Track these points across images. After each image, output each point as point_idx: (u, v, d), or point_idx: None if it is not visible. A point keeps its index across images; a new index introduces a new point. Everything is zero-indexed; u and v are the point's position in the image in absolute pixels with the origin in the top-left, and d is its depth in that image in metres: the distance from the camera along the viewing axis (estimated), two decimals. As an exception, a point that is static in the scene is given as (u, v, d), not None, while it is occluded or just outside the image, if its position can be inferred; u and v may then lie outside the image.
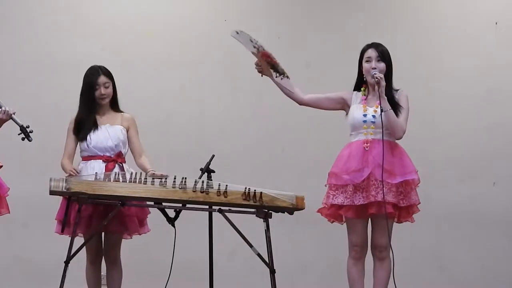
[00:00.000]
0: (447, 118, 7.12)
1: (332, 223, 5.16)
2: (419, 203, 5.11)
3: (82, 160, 5.33)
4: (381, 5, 7.18)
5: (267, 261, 5.18)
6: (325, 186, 5.11)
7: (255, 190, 5.17)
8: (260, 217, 5.18)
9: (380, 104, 4.92)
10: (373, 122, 5.00)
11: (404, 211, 5.06)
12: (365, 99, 5.10)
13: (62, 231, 5.21)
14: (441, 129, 7.11)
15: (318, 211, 5.15)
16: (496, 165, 7.08)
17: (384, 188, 4.90)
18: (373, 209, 4.94)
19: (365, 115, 5.03)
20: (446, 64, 7.14)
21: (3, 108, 5.01)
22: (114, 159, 5.29)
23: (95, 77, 5.33)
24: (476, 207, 7.06)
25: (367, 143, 5.00)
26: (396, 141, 5.09)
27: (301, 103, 5.31)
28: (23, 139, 5.06)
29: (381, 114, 4.92)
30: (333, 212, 5.06)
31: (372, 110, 5.03)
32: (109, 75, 5.37)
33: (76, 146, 5.36)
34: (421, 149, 6.98)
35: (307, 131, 6.92)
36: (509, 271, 7.04)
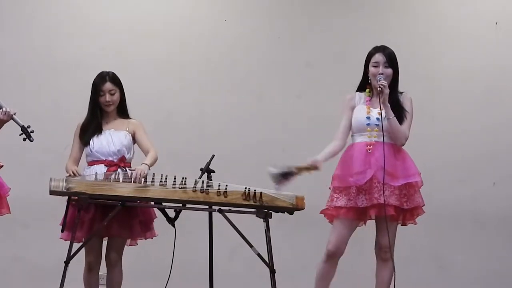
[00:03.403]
0: (447, 118, 7.12)
1: (331, 223, 5.16)
2: (424, 205, 5.11)
3: (87, 165, 5.33)
4: (381, 5, 7.18)
5: (267, 261, 5.18)
6: (329, 189, 5.10)
7: (255, 190, 5.18)
8: (260, 217, 5.19)
9: (381, 112, 4.92)
10: (377, 125, 5.00)
11: (409, 213, 5.05)
12: (369, 100, 5.09)
13: (62, 231, 5.20)
14: (441, 129, 7.11)
15: (321, 212, 5.13)
16: (496, 165, 7.08)
17: (386, 191, 4.90)
18: (374, 211, 4.94)
19: (368, 118, 5.03)
20: (446, 64, 7.14)
21: (3, 109, 5.01)
22: (117, 164, 5.28)
23: (101, 83, 5.33)
24: (476, 207, 7.06)
25: (370, 145, 5.00)
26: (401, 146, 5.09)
27: (344, 146, 5.18)
28: (24, 139, 5.06)
29: (381, 121, 4.92)
30: (335, 213, 5.05)
31: (376, 113, 5.01)
32: (116, 82, 5.35)
33: (81, 151, 5.36)
34: (421, 149, 6.96)
35: (307, 131, 6.92)
36: (509, 271, 7.04)
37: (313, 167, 4.97)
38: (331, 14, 7.13)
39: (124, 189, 5.08)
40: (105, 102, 5.34)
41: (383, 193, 4.91)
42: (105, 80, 5.33)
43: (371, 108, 5.05)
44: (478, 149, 7.07)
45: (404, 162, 5.04)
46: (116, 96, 5.36)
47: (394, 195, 4.93)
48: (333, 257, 5.05)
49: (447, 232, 7.04)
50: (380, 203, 4.91)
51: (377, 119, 5.00)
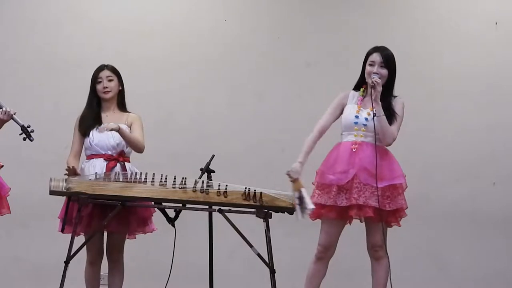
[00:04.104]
0: (446, 117, 7.11)
1: (314, 220, 5.13)
2: (407, 207, 5.07)
3: (86, 158, 5.34)
4: (381, 5, 7.18)
5: (267, 261, 5.18)
6: (313, 184, 5.09)
7: (255, 190, 5.18)
8: (260, 217, 5.19)
9: (373, 109, 4.92)
10: (365, 125, 5.00)
11: (391, 215, 5.02)
12: (361, 100, 5.09)
13: (63, 230, 5.21)
14: (440, 128, 7.11)
15: None
16: (496, 165, 7.08)
17: (366, 191, 4.90)
18: (353, 212, 4.93)
19: (357, 117, 5.03)
20: (446, 64, 7.14)
21: (3, 109, 5.01)
22: (116, 158, 5.28)
23: (99, 70, 5.38)
24: (476, 207, 7.06)
25: (355, 144, 5.00)
26: (388, 146, 5.07)
27: (321, 136, 5.20)
28: (24, 139, 5.06)
29: (373, 118, 4.92)
30: (316, 211, 5.03)
31: (366, 113, 5.02)
32: (114, 71, 5.39)
33: (82, 144, 5.36)
34: (420, 148, 6.99)
35: (307, 131, 6.90)
36: (508, 271, 7.04)
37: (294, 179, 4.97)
38: (332, 14, 7.13)
39: (124, 189, 5.07)
40: (103, 88, 5.35)
41: (378, 193, 4.89)
42: (103, 68, 5.39)
43: (361, 108, 5.06)
44: (478, 149, 7.07)
45: (390, 163, 5.02)
46: (114, 84, 5.37)
47: (375, 196, 4.91)
48: (323, 258, 5.05)
49: (446, 232, 7.04)
50: (359, 203, 4.90)
51: (366, 119, 5.00)
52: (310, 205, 4.92)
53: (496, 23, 7.14)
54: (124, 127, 5.24)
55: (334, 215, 4.97)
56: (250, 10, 7.12)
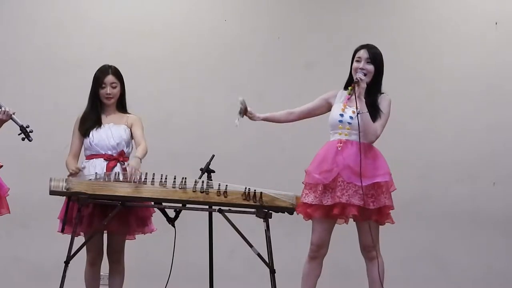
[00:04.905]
0: (447, 118, 7.12)
1: (306, 221, 5.12)
2: (391, 206, 5.00)
3: (86, 159, 5.33)
4: (381, 5, 7.18)
5: (267, 261, 5.18)
6: (302, 183, 5.08)
7: (255, 190, 5.18)
8: (260, 217, 5.19)
9: (356, 106, 4.91)
10: (350, 123, 4.99)
11: (376, 213, 4.99)
12: (348, 98, 5.08)
13: (63, 230, 5.21)
14: (441, 129, 7.11)
15: (296, 208, 5.14)
16: (496, 165, 7.08)
17: (350, 190, 4.88)
18: (337, 210, 4.92)
19: (341, 115, 5.03)
20: (446, 64, 7.14)
21: (3, 109, 5.01)
22: (116, 158, 5.28)
23: (103, 75, 5.34)
24: (476, 207, 7.06)
25: (340, 143, 5.00)
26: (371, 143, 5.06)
27: (292, 121, 5.32)
28: (23, 139, 5.06)
29: (357, 115, 4.91)
30: (303, 210, 5.03)
31: (351, 111, 5.00)
32: (118, 75, 5.37)
33: (81, 144, 5.36)
34: (421, 149, 6.99)
35: (307, 131, 6.91)
36: (508, 271, 7.04)
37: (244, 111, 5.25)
38: (332, 14, 7.13)
39: (124, 189, 5.07)
40: (106, 94, 5.34)
41: (362, 191, 4.87)
42: (108, 73, 5.35)
43: (347, 106, 5.05)
44: (478, 149, 7.07)
45: (374, 161, 4.99)
46: (117, 90, 5.37)
47: (358, 195, 4.91)
48: (316, 257, 5.04)
49: (446, 232, 7.04)
50: (342, 202, 4.90)
51: (350, 117, 5.00)
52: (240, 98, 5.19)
53: (496, 23, 7.14)
54: (136, 161, 5.20)
55: (320, 214, 4.97)
56: (250, 10, 7.13)
